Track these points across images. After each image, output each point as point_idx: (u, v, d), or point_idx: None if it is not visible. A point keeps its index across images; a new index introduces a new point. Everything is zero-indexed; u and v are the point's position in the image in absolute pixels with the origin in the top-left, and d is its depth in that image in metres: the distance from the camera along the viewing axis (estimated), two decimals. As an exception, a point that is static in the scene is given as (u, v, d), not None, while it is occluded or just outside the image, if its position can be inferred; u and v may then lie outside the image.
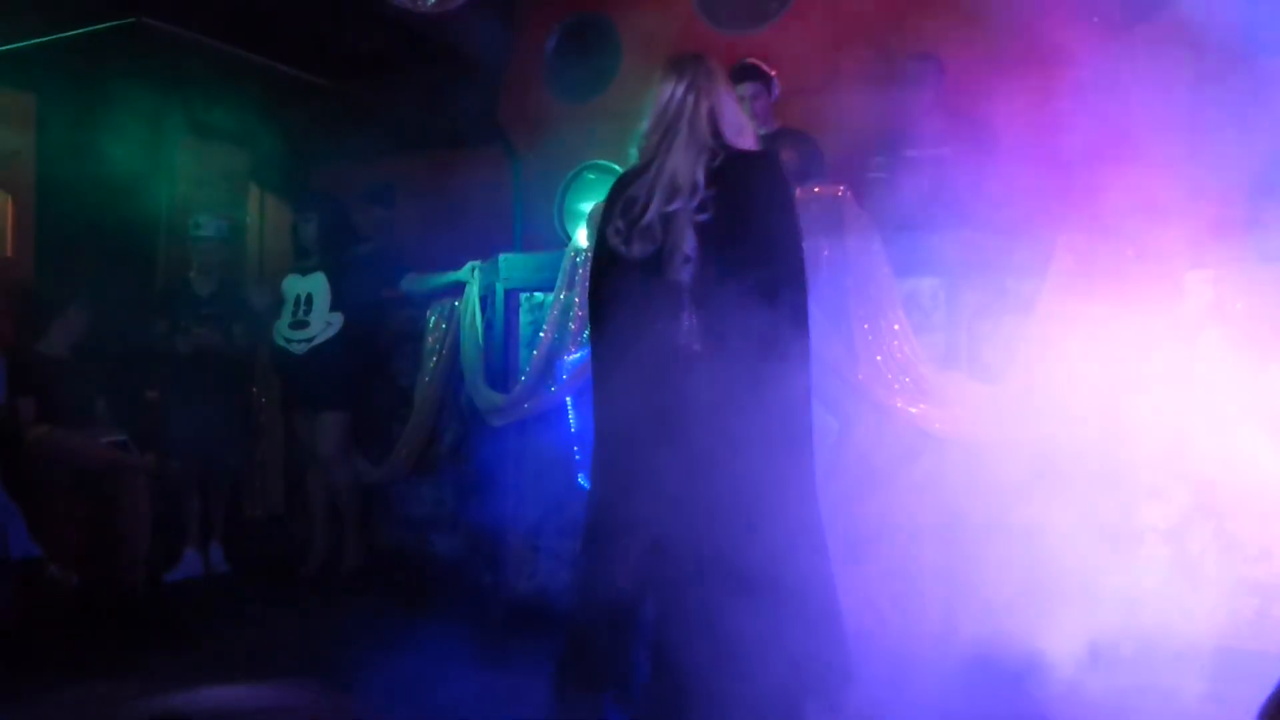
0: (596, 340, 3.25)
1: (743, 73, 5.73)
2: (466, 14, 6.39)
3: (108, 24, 5.44)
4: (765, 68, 5.76)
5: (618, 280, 3.14)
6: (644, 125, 3.22)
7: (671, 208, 3.03)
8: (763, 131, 5.69)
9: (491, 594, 5.11)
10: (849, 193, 4.82)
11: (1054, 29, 5.74)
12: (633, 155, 3.29)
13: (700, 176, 3.05)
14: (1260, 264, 4.38)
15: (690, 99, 3.14)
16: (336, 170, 7.97)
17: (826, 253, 4.31)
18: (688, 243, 2.99)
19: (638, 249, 3.07)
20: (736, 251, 3.01)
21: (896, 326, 4.22)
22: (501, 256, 5.31)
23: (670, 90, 3.18)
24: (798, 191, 4.72)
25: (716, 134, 3.14)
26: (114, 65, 5.81)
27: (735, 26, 6.95)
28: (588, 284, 3.36)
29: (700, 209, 3.01)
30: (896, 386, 4.21)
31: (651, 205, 3.05)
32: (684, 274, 3.00)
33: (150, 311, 6.54)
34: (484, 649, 4.62)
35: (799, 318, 3.09)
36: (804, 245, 3.24)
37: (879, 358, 4.23)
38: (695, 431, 2.99)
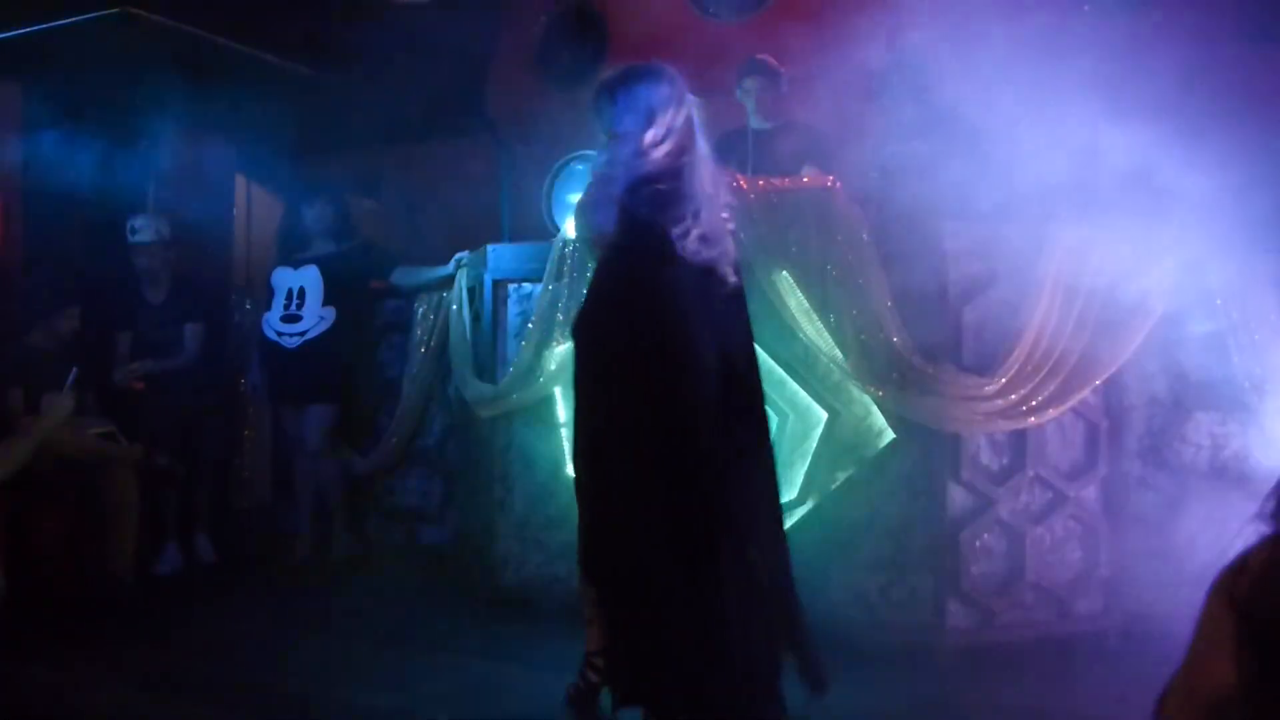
0: (638, 328, 3.25)
1: (750, 67, 5.69)
2: (454, 2, 6.38)
3: (94, 14, 5.42)
4: (772, 62, 5.72)
5: (676, 277, 3.23)
6: (647, 130, 3.30)
7: (721, 216, 3.30)
8: (768, 125, 5.68)
9: (480, 585, 5.10)
10: (838, 183, 4.82)
11: (1042, 18, 5.73)
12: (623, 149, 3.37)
13: (725, 193, 3.39)
14: (1252, 254, 4.39)
15: (693, 122, 3.36)
16: (324, 161, 7.94)
17: (814, 243, 4.31)
18: (734, 250, 3.33)
19: (694, 250, 3.21)
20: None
21: (885, 317, 4.22)
22: (490, 247, 5.28)
23: (676, 106, 3.34)
24: (788, 180, 4.76)
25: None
26: (100, 56, 5.78)
27: (723, 15, 6.94)
28: (628, 273, 3.33)
29: (730, 219, 3.36)
30: (885, 377, 4.21)
31: (703, 213, 3.24)
32: (736, 279, 3.30)
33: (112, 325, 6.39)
34: (473, 640, 4.63)
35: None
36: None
37: (867, 348, 4.23)
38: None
